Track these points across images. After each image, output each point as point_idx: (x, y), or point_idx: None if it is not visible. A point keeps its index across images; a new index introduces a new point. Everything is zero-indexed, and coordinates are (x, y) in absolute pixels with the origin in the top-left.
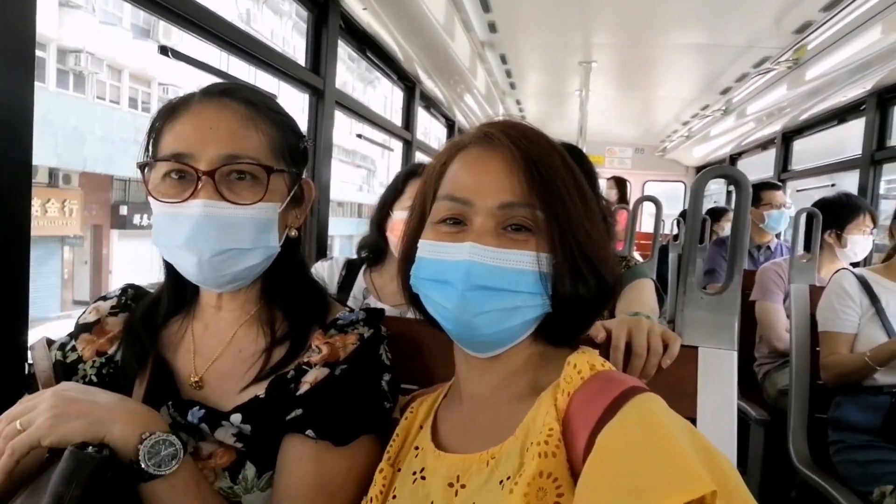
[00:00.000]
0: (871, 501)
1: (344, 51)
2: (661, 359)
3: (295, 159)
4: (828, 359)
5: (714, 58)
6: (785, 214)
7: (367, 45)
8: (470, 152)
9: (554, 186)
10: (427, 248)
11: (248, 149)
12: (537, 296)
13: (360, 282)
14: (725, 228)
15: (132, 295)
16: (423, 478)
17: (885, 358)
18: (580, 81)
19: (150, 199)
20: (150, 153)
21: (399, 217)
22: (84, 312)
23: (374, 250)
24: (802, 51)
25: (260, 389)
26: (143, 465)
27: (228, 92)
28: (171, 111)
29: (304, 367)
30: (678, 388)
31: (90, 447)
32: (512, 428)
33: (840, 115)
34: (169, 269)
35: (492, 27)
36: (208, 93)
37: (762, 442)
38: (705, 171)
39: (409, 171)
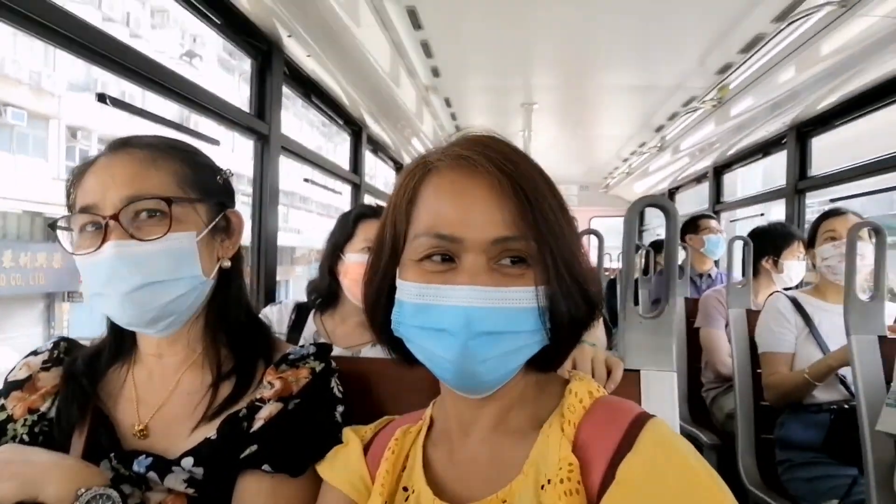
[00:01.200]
0: None
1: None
2: (606, 384)
3: (209, 191)
4: (769, 378)
5: (647, 97)
6: (721, 240)
7: (312, 90)
8: (444, 178)
9: (543, 213)
10: (411, 290)
11: (149, 188)
12: (538, 332)
13: (311, 325)
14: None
15: (64, 348)
16: None
17: (823, 373)
18: (523, 122)
19: (75, 258)
20: (67, 209)
21: (353, 260)
22: (13, 369)
23: (324, 294)
24: (725, 90)
25: (210, 430)
26: None
27: (129, 141)
28: (80, 172)
29: (256, 403)
30: None
31: None
32: (517, 465)
33: (764, 148)
34: (110, 321)
35: (435, 71)
36: (111, 146)
37: (715, 465)
38: (637, 202)
39: (360, 213)
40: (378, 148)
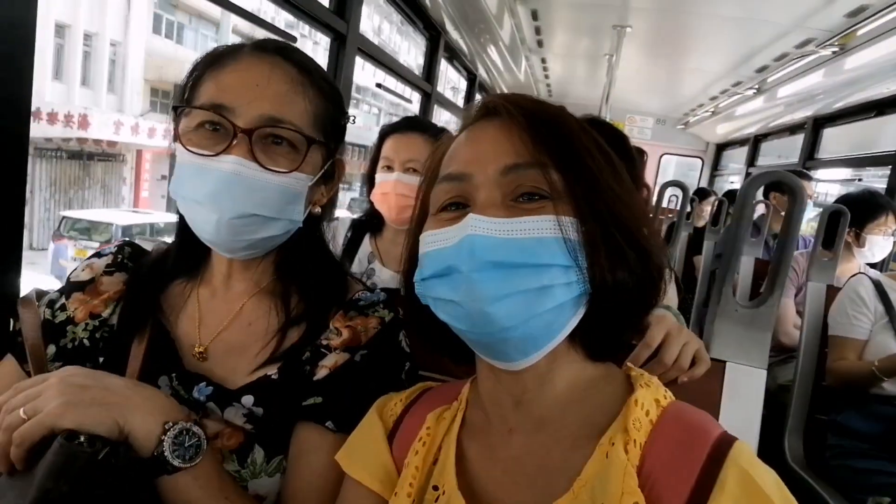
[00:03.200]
0: None
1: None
2: (683, 375)
3: (334, 134)
4: (835, 364)
5: (756, 32)
6: (809, 206)
7: None
8: (468, 130)
9: (569, 142)
10: (427, 239)
11: (292, 115)
12: (570, 270)
13: (367, 245)
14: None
15: (129, 253)
16: None
17: (894, 369)
18: (611, 45)
19: (177, 145)
20: (186, 99)
21: (382, 180)
22: (76, 269)
23: (371, 219)
24: (851, 36)
25: (271, 369)
26: (167, 457)
27: (283, 51)
28: (215, 59)
29: (322, 349)
30: (699, 399)
31: (84, 439)
32: (567, 479)
33: (879, 106)
34: (182, 225)
35: None
36: (261, 48)
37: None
38: (756, 177)
39: (385, 130)
40: (454, 56)
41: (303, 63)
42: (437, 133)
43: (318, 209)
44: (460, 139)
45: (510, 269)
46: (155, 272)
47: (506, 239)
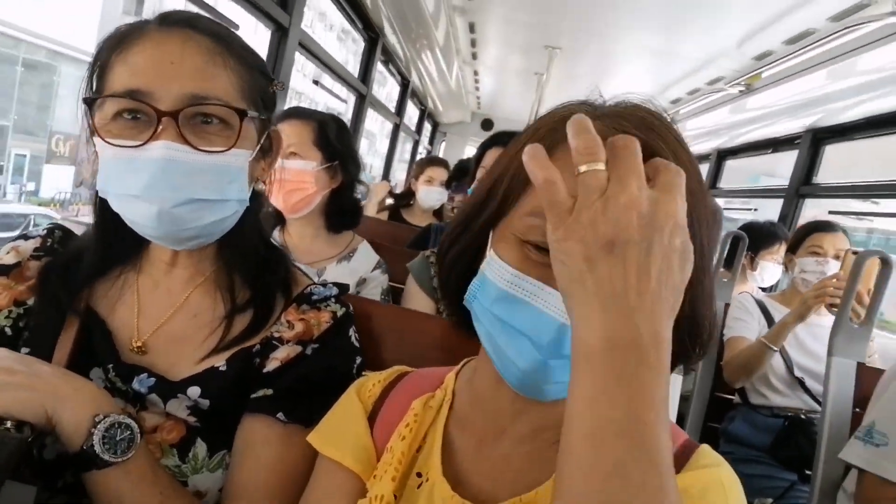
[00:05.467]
0: None
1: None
2: None
3: (265, 103)
4: (729, 356)
5: (671, 65)
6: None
7: None
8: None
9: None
10: (504, 274)
11: (216, 89)
12: None
13: (276, 239)
14: None
15: (59, 237)
16: None
17: (779, 335)
18: (542, 64)
19: (95, 139)
20: (95, 88)
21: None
22: (0, 251)
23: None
24: (756, 78)
25: (219, 360)
26: (97, 451)
27: (192, 22)
28: (120, 40)
29: (273, 342)
30: None
31: (12, 425)
32: (549, 472)
33: (775, 144)
34: (103, 216)
35: None
36: (168, 20)
37: None
38: None
39: (284, 113)
40: (389, 59)
41: (217, 32)
42: (315, 117)
43: (261, 185)
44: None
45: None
46: (73, 263)
47: None
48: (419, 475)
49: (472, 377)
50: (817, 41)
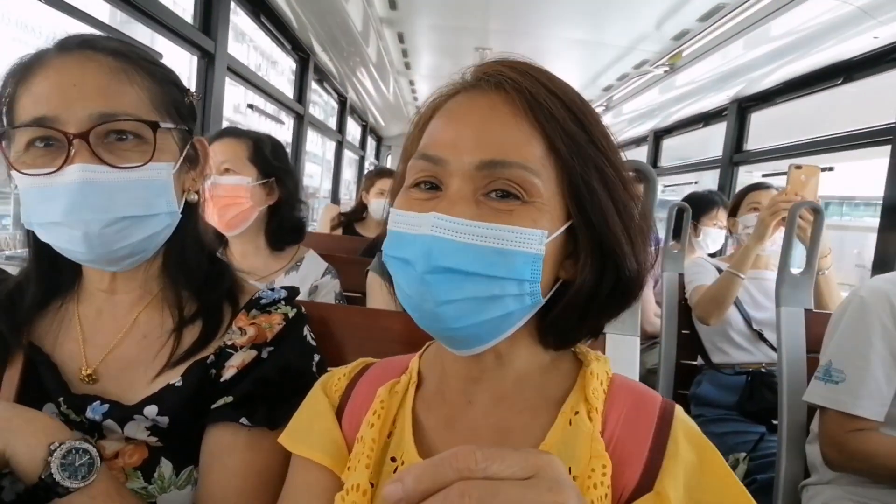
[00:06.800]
0: None
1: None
2: None
3: (182, 115)
4: (697, 297)
5: (599, 55)
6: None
7: (261, 9)
8: (455, 100)
9: (576, 140)
10: (394, 217)
11: (123, 105)
12: (524, 283)
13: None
14: None
15: None
16: None
17: (744, 259)
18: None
19: (12, 173)
20: (6, 122)
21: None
22: None
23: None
24: (678, 57)
25: (173, 377)
26: (57, 479)
27: (90, 43)
28: (23, 71)
29: (227, 350)
30: None
31: None
32: (528, 444)
33: (705, 118)
34: (38, 249)
35: (392, 4)
36: (65, 46)
37: None
38: None
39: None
40: (324, 78)
41: (117, 50)
42: (249, 135)
43: (193, 195)
44: (448, 108)
45: (464, 276)
46: (14, 300)
47: (465, 245)
48: (393, 460)
49: (430, 355)
50: (729, 13)
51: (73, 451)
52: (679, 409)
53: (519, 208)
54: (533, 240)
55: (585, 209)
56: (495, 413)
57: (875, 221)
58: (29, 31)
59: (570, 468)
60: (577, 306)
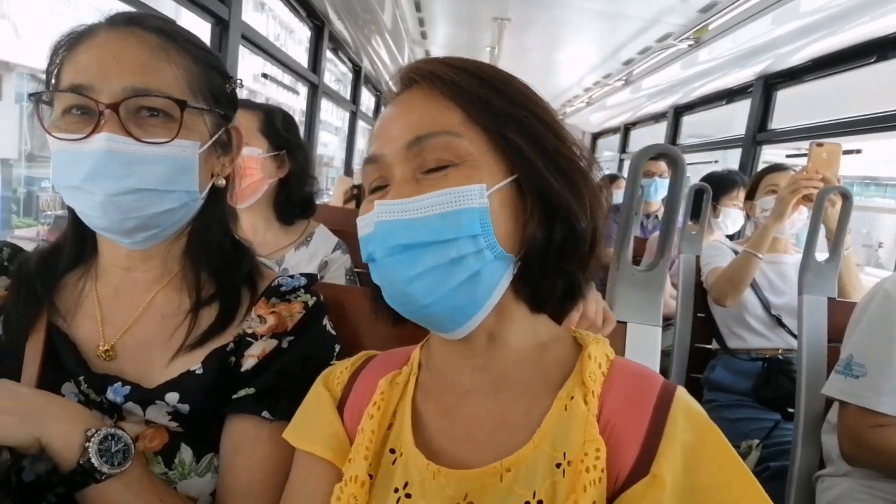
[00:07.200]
0: (739, 454)
1: None
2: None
3: (219, 100)
4: (713, 279)
5: (621, 27)
6: (657, 183)
7: None
8: (390, 104)
9: (495, 100)
10: (358, 224)
11: (158, 83)
12: (478, 238)
13: None
14: (616, 195)
15: (8, 255)
16: (408, 495)
17: (761, 242)
18: (492, 38)
19: (47, 136)
20: (51, 87)
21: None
22: None
23: None
24: (704, 30)
25: (192, 362)
26: (95, 465)
27: (136, 20)
28: (72, 41)
29: (247, 338)
30: None
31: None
32: (527, 432)
33: (729, 95)
34: (73, 218)
35: None
36: (114, 21)
37: None
38: (644, 150)
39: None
40: (339, 47)
41: (162, 29)
42: (261, 108)
43: (221, 181)
44: (382, 115)
45: (418, 249)
46: (45, 265)
47: (410, 220)
48: (392, 451)
49: (430, 346)
50: None
51: (109, 437)
52: (681, 391)
53: (453, 171)
54: (473, 194)
55: (518, 159)
56: (494, 400)
57: (886, 202)
58: (67, 3)
59: (564, 453)
60: (540, 257)
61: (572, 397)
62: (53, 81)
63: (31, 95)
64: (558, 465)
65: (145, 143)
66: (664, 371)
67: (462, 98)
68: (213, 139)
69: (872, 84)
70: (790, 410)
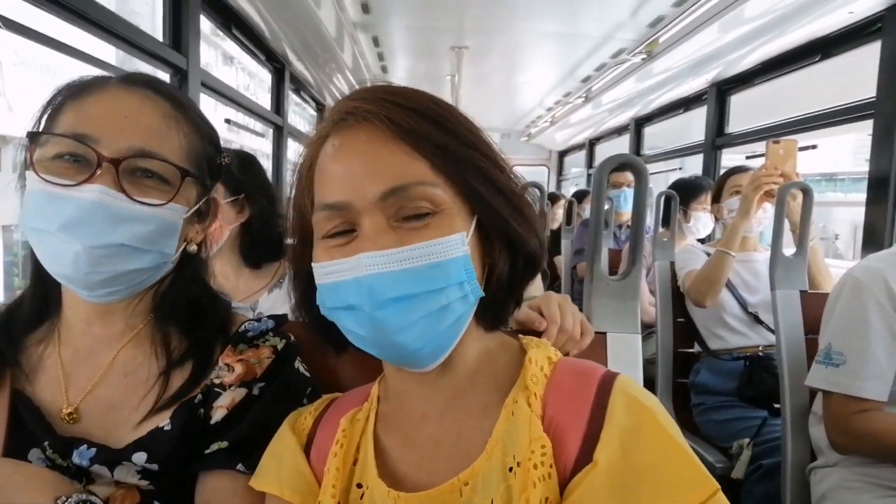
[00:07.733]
0: (730, 454)
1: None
2: (572, 347)
3: (210, 171)
4: (690, 282)
5: (576, 46)
6: (625, 193)
7: (232, 21)
8: (330, 143)
9: (450, 145)
10: (319, 272)
11: (164, 149)
12: (464, 283)
13: None
14: (587, 210)
15: None
16: None
17: (731, 240)
18: (452, 66)
19: (28, 174)
20: (42, 127)
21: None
22: None
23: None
24: (654, 44)
25: (161, 419)
26: None
27: (153, 84)
28: (80, 88)
29: (215, 389)
30: None
31: None
32: (481, 444)
33: (686, 104)
34: (36, 267)
35: (364, 8)
36: (130, 80)
37: None
38: (606, 161)
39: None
40: (300, 87)
41: (175, 97)
42: None
43: (193, 247)
44: (329, 153)
45: (411, 300)
46: (7, 326)
47: (401, 271)
48: (359, 486)
49: (386, 377)
50: None
51: (81, 503)
52: (621, 379)
53: (433, 220)
54: (457, 243)
55: (479, 202)
56: (450, 419)
57: (837, 196)
58: (53, 76)
59: (514, 456)
60: (503, 287)
61: (517, 402)
62: (45, 120)
63: (29, 134)
64: (511, 469)
65: (138, 202)
66: (650, 379)
67: (423, 147)
68: (196, 206)
69: (818, 83)
70: (776, 406)
